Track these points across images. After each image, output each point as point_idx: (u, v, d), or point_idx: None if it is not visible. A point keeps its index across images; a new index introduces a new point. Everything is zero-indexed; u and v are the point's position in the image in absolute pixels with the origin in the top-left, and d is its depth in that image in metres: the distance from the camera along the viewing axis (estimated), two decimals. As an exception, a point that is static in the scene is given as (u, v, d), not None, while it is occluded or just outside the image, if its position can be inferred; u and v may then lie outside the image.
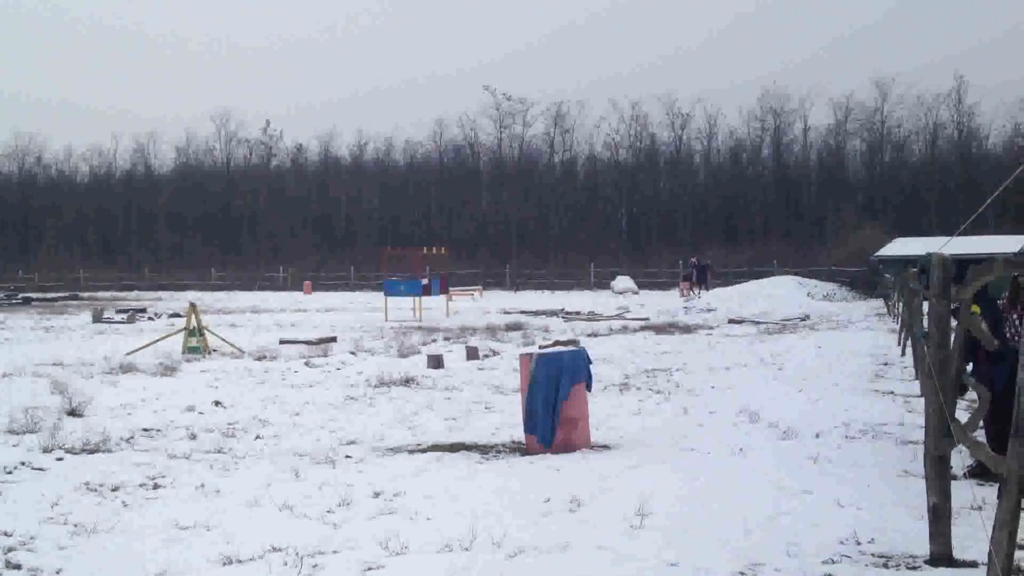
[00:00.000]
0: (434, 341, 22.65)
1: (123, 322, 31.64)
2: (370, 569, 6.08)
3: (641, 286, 52.47)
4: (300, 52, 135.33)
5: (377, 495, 7.98)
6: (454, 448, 10.10)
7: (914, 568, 5.99)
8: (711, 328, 26.90)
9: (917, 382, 13.88)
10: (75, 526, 7.07)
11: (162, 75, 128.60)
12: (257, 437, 10.89)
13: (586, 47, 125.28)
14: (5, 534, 6.85)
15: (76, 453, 9.66)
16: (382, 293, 34.72)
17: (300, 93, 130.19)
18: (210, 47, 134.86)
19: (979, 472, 8.19)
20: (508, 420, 11.48)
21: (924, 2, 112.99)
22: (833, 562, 6.10)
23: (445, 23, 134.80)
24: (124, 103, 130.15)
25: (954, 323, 6.30)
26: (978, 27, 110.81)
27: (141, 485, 8.45)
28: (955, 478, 7.01)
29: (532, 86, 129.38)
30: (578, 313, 34.03)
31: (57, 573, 6.11)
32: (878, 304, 37.55)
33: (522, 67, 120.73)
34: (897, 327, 22.74)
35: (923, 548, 6.15)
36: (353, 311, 38.09)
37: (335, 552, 6.43)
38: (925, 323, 7.06)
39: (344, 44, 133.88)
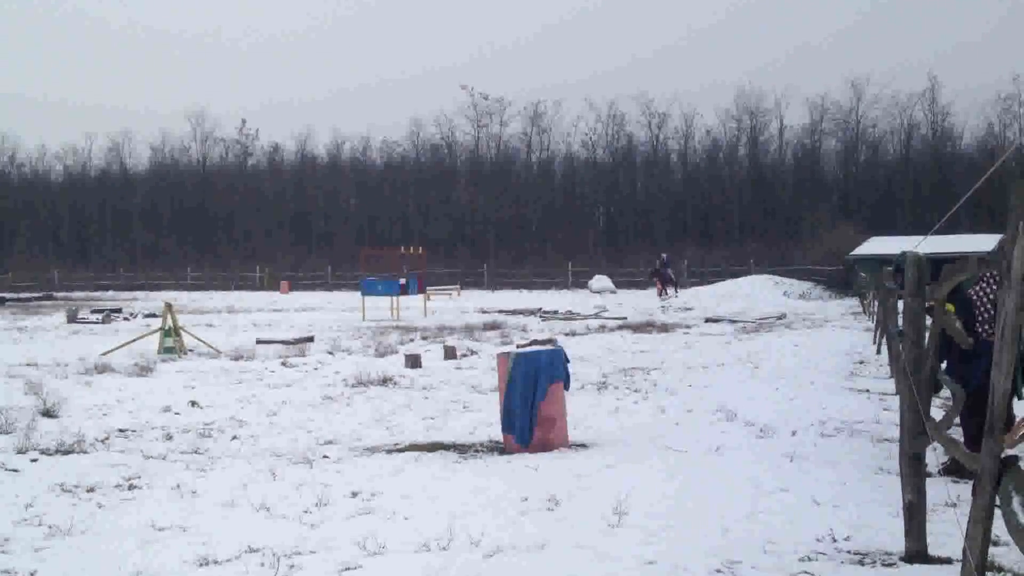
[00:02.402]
0: (412, 340, 22.61)
1: (98, 322, 31.39)
2: (347, 569, 6.07)
3: (619, 285, 52.54)
4: (276, 50, 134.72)
5: (355, 495, 7.96)
6: (432, 448, 10.08)
7: (890, 565, 6.03)
8: (688, 327, 26.99)
9: (892, 380, 13.97)
10: (50, 527, 7.01)
11: (136, 71, 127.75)
12: (234, 437, 10.84)
13: (562, 47, 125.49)
14: (-22, 536, 6.79)
15: (51, 454, 9.58)
16: (359, 293, 34.62)
17: (276, 91, 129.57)
18: (184, 44, 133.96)
19: (954, 469, 8.26)
20: (486, 419, 11.48)
21: (898, 5, 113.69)
22: (810, 559, 6.13)
23: (421, 22, 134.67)
24: (98, 99, 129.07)
25: (928, 321, 6.35)
26: (952, 31, 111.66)
27: (117, 486, 8.39)
28: (930, 475, 7.07)
29: (509, 86, 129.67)
30: (556, 312, 34.04)
31: (31, 575, 6.05)
32: (853, 303, 37.76)
33: (498, 67, 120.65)
34: (872, 325, 22.88)
35: (899, 545, 6.20)
36: (330, 311, 37.96)
37: (312, 552, 6.41)
38: (900, 321, 7.11)
39: (319, 43, 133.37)
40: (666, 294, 43.52)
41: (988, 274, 8.15)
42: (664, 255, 47.47)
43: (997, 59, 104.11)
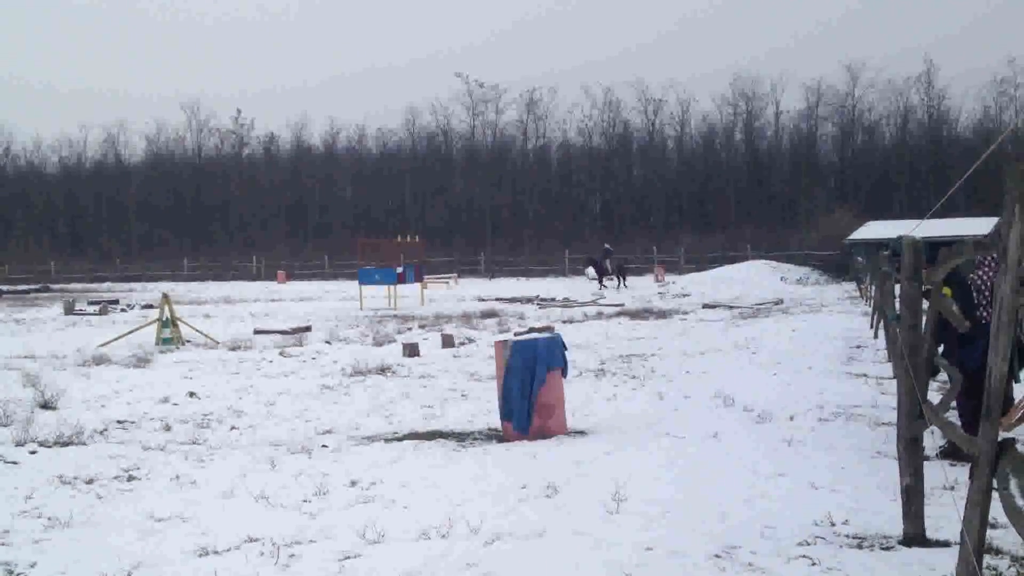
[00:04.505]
0: (409, 329, 22.61)
1: (95, 314, 31.38)
2: (347, 558, 6.07)
3: (616, 272, 52.52)
4: (270, 37, 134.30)
5: (354, 484, 7.97)
6: (430, 436, 10.09)
7: (888, 548, 6.05)
8: (685, 313, 27.01)
9: (889, 364, 14.00)
10: (49, 519, 7.02)
11: (130, 59, 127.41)
12: (232, 428, 10.84)
13: (557, 33, 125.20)
14: (-22, 529, 6.79)
15: (49, 446, 9.57)
16: (357, 282, 34.61)
17: (270, 79, 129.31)
18: (179, 31, 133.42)
19: (951, 452, 8.28)
20: (484, 407, 11.48)
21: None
22: (808, 544, 6.15)
23: (414, 8, 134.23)
24: (92, 85, 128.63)
25: (925, 305, 6.35)
26: (948, 14, 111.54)
27: (116, 477, 8.39)
28: (927, 459, 7.08)
29: (504, 72, 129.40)
30: (553, 299, 34.06)
31: (31, 567, 6.05)
32: (851, 287, 37.81)
33: (494, 53, 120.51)
34: (869, 310, 22.91)
35: (897, 528, 6.21)
36: (328, 300, 37.96)
37: (312, 542, 6.42)
38: (897, 306, 7.11)
39: (313, 29, 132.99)
40: (602, 285, 42.57)
41: (990, 258, 8.15)
42: (607, 246, 46.98)
43: (993, 42, 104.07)
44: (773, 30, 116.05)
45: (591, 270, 50.76)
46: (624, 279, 43.22)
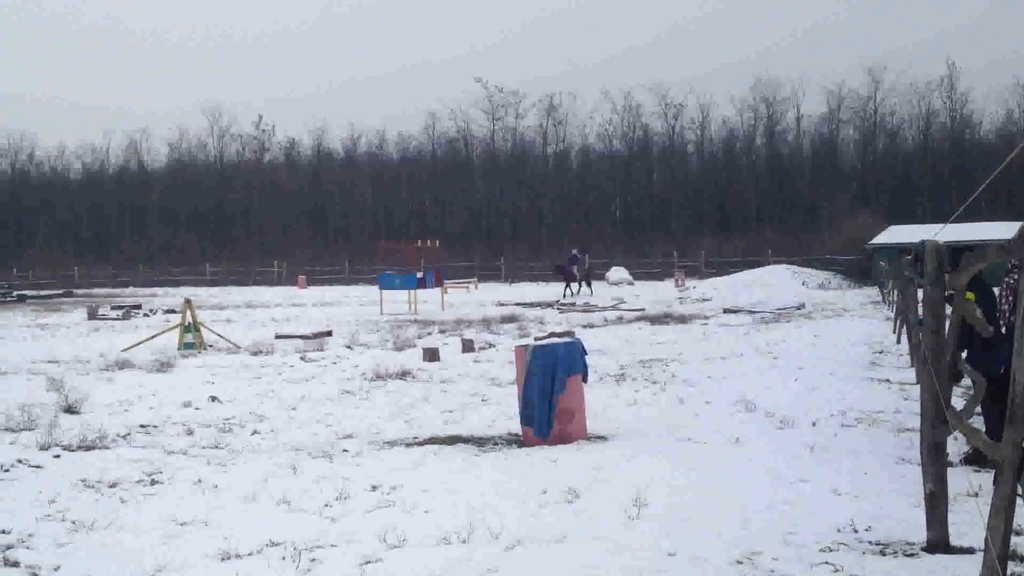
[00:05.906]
0: (430, 334, 22.64)
1: (118, 319, 31.57)
2: (369, 562, 6.08)
3: (636, 277, 52.45)
4: (289, 43, 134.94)
5: (375, 488, 7.99)
6: (451, 441, 10.10)
7: (911, 555, 6.01)
8: (706, 318, 26.91)
9: (912, 369, 13.91)
10: (73, 523, 7.06)
11: (151, 69, 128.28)
12: (254, 432, 10.88)
13: (576, 34, 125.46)
14: (3, 532, 6.85)
15: (73, 450, 9.65)
16: (377, 287, 34.70)
17: (291, 85, 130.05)
18: (198, 39, 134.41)
19: (975, 459, 8.21)
20: (504, 412, 11.49)
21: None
22: (830, 550, 6.12)
23: (431, 12, 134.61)
24: (115, 99, 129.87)
25: (949, 310, 6.31)
26: (967, 4, 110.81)
27: (138, 481, 8.44)
28: (951, 465, 7.03)
29: (522, 72, 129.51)
30: (573, 304, 34.03)
31: (55, 570, 6.10)
32: (873, 292, 37.57)
33: (511, 54, 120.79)
34: (892, 315, 22.78)
35: (920, 535, 6.17)
36: (348, 305, 38.05)
37: (333, 546, 6.43)
38: (920, 310, 7.07)
39: (332, 34, 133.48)
40: (569, 292, 40.20)
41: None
42: (575, 251, 45.96)
43: (1014, 32, 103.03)
44: (792, 25, 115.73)
45: (611, 275, 50.64)
46: (590, 284, 42.00)
